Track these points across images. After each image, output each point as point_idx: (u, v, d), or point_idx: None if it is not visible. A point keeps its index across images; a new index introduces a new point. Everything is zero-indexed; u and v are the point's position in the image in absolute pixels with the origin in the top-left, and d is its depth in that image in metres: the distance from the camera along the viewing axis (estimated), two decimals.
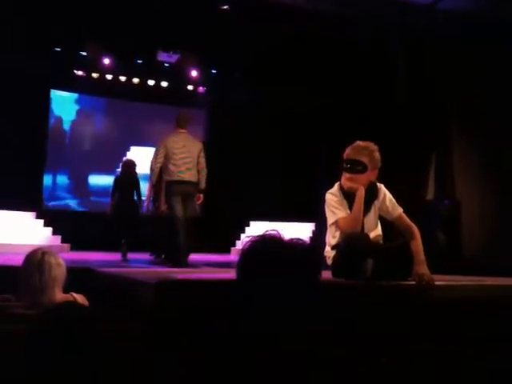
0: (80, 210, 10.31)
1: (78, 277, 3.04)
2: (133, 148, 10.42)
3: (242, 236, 9.27)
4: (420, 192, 8.37)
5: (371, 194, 3.44)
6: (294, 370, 1.15)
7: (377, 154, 3.43)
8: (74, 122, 10.43)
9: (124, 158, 8.81)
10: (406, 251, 3.27)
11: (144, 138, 10.22)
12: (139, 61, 9.92)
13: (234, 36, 8.52)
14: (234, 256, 8.86)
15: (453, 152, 8.20)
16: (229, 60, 9.79)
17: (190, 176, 5.97)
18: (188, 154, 6.00)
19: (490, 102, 7.47)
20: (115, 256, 7.11)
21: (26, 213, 8.71)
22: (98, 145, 10.47)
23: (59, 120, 10.30)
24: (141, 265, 6.52)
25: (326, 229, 3.54)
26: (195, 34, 8.56)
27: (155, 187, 6.48)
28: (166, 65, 9.94)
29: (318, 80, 9.17)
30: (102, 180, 10.09)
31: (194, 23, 8.26)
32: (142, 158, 8.46)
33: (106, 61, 9.70)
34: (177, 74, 10.06)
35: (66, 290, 2.53)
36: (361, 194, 3.37)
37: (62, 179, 10.27)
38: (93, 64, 9.67)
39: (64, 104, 10.25)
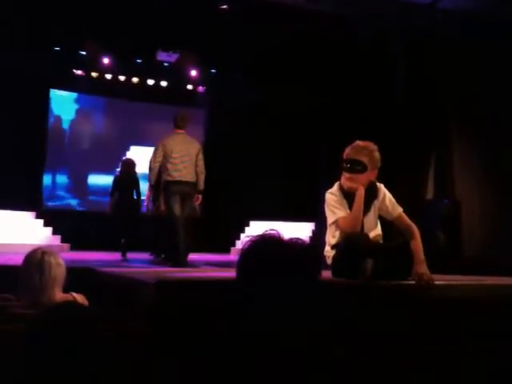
0: (80, 209, 10.30)
1: (77, 276, 3.04)
2: (132, 147, 10.40)
3: (242, 236, 9.27)
4: (420, 192, 8.37)
5: (371, 194, 3.45)
6: (294, 370, 1.15)
7: (376, 154, 3.44)
8: (73, 122, 10.42)
9: (123, 158, 8.79)
10: (405, 251, 3.27)
11: (143, 138, 10.21)
12: (139, 60, 9.91)
13: (234, 36, 8.51)
14: (233, 256, 8.85)
15: (453, 152, 8.21)
16: (228, 60, 9.78)
17: (188, 176, 5.96)
18: (186, 154, 5.99)
19: (490, 102, 7.48)
20: (115, 256, 7.11)
21: (26, 212, 8.71)
22: (98, 144, 10.45)
23: (59, 119, 10.29)
24: (141, 264, 6.51)
25: (325, 228, 3.54)
26: (195, 34, 8.55)
27: (155, 187, 6.48)
28: (166, 64, 9.94)
29: (318, 80, 9.17)
30: (101, 179, 10.07)
31: (193, 23, 8.27)
32: (141, 157, 8.43)
33: (106, 60, 9.69)
34: (176, 74, 10.05)
35: (65, 290, 2.53)
36: (360, 193, 3.38)
37: (62, 179, 10.26)
38: (92, 63, 9.66)
39: (63, 103, 10.23)
